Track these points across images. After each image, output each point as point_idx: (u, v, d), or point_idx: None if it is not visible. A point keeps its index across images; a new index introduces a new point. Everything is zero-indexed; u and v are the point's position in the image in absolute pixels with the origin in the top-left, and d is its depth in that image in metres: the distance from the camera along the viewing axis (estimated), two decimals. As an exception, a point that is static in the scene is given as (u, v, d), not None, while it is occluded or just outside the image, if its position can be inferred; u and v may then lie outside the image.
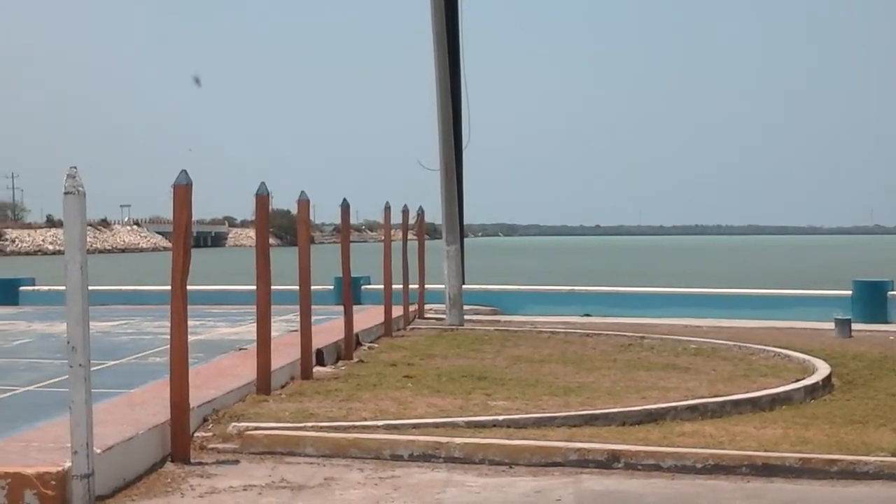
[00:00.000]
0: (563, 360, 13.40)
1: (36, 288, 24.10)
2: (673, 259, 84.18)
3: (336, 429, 8.64)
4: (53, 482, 6.53)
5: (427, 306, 20.42)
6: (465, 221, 22.06)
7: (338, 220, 15.65)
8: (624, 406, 9.77)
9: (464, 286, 19.63)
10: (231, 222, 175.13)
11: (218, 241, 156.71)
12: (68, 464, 6.61)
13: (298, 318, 12.09)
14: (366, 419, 9.08)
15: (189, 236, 8.22)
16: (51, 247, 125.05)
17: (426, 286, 20.47)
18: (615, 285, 25.17)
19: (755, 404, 10.25)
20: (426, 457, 8.15)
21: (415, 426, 8.79)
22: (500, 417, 9.14)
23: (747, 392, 10.65)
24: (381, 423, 8.88)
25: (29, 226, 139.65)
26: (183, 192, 8.16)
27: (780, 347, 14.11)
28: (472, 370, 12.30)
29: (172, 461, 7.92)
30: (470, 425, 8.89)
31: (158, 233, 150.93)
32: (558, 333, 16.63)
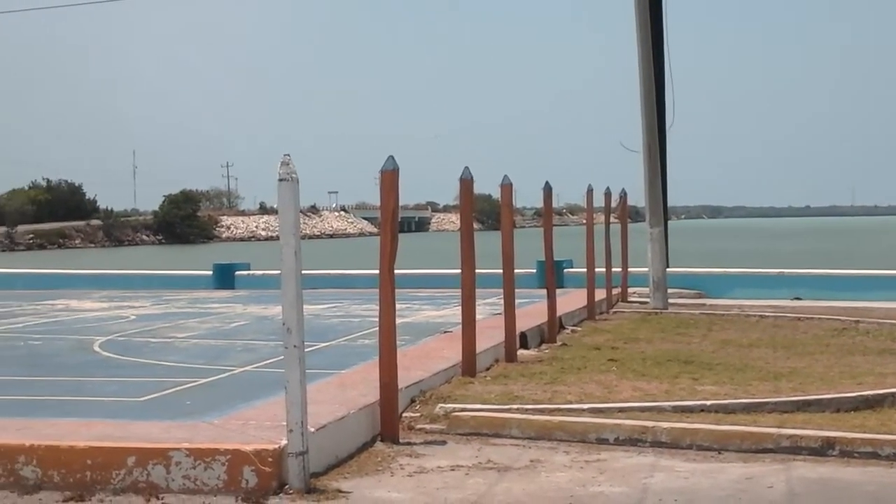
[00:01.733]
0: (773, 345, 13.04)
1: (251, 273, 25.06)
2: (889, 240, 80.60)
3: (541, 411, 8.66)
4: (270, 459, 6.77)
5: (630, 290, 20.22)
6: (669, 203, 21.74)
7: (539, 204, 15.67)
8: (838, 392, 9.43)
9: (668, 269, 19.33)
10: (434, 207, 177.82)
11: (422, 225, 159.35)
12: (284, 441, 6.84)
13: (502, 302, 12.17)
14: (571, 402, 9.07)
15: (396, 221, 8.37)
16: (263, 233, 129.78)
17: (629, 269, 20.27)
18: (827, 268, 24.32)
19: (981, 392, 9.72)
20: (632, 441, 8.07)
21: (620, 410, 8.72)
22: (708, 402, 8.97)
23: (973, 379, 10.12)
24: (586, 406, 8.85)
25: (243, 213, 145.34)
26: (390, 177, 8.31)
27: None
28: (678, 354, 12.11)
29: (382, 441, 8.11)
30: (677, 410, 8.75)
31: (365, 218, 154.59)
32: (767, 317, 16.19)
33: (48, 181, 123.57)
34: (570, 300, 17.08)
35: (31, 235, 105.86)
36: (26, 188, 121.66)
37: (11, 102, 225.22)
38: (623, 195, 20.29)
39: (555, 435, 8.24)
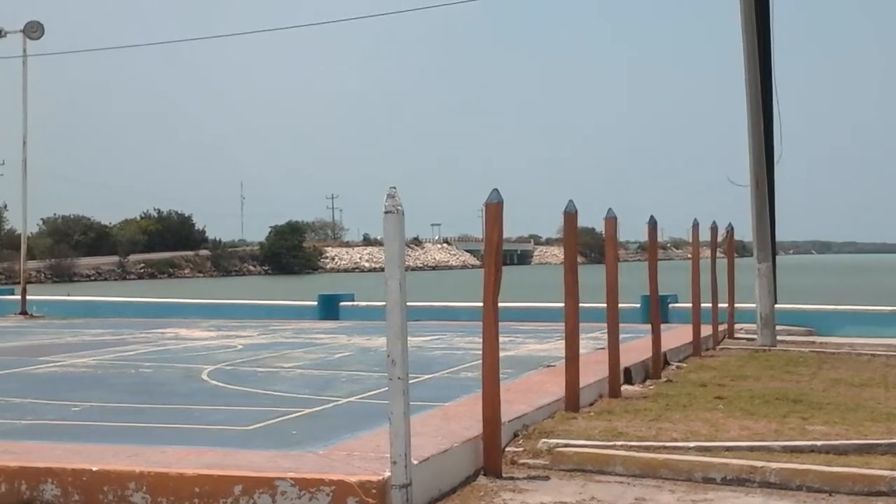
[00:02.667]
0: (885, 384, 12.69)
1: (355, 303, 25.30)
2: None
3: (646, 448, 8.55)
4: (374, 490, 6.80)
5: (737, 326, 19.89)
6: (777, 238, 21.35)
7: (643, 238, 15.54)
8: (956, 435, 9.12)
9: (776, 305, 18.98)
10: (536, 240, 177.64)
11: (524, 258, 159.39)
12: (388, 473, 6.86)
13: (605, 336, 12.07)
14: (676, 440, 8.93)
15: (500, 254, 8.36)
16: (367, 264, 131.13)
17: (736, 305, 19.95)
18: (944, 305, 23.60)
19: None
20: (740, 481, 7.91)
21: (727, 449, 8.56)
22: (819, 443, 8.75)
23: None
24: (692, 444, 8.71)
25: (347, 244, 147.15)
26: (494, 209, 8.32)
27: None
28: (787, 393, 11.86)
29: (485, 475, 8.08)
30: (786, 450, 8.56)
31: (467, 250, 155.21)
32: (879, 356, 15.79)
33: (159, 211, 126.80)
34: (676, 336, 16.86)
35: (142, 265, 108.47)
36: (138, 218, 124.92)
37: (124, 134, 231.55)
38: (730, 229, 19.99)
39: (660, 473, 8.12)
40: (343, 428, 8.86)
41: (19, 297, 27.28)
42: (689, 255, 17.84)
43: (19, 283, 28.31)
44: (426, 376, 12.55)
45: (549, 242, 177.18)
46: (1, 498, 7.27)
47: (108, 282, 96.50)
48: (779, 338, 18.36)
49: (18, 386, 12.22)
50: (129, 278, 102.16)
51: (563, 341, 10.73)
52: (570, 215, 10.78)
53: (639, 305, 20.86)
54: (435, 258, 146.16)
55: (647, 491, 7.75)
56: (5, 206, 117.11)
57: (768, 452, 8.46)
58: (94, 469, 7.23)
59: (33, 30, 28.12)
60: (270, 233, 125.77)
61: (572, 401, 10.42)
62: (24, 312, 26.46)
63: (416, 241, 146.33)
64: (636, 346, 14.60)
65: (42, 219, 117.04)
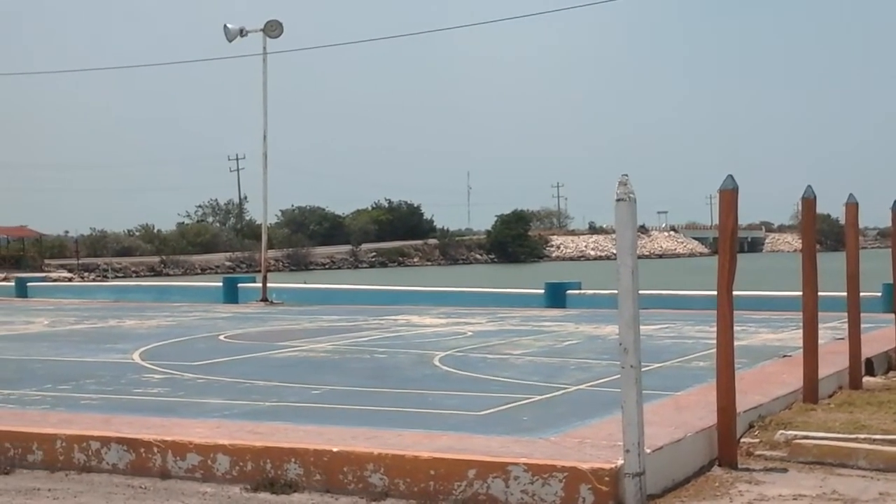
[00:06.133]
0: None
1: (581, 292, 25.23)
2: None
3: (891, 442, 8.19)
4: (607, 478, 6.78)
5: None
6: None
7: (882, 224, 14.84)
8: None
9: None
10: (768, 227, 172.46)
11: (755, 246, 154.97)
12: (620, 461, 6.84)
13: (844, 326, 11.62)
14: (924, 434, 8.52)
15: (735, 241, 8.18)
16: (592, 252, 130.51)
17: None
18: None
19: None
20: None
21: (980, 445, 8.11)
22: None
23: None
24: (941, 439, 8.29)
25: (572, 232, 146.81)
26: (729, 196, 8.14)
27: None
28: None
29: (719, 465, 7.93)
30: None
31: (695, 238, 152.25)
32: None
33: (389, 202, 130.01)
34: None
35: (374, 253, 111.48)
36: (369, 209, 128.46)
37: (355, 126, 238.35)
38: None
39: (906, 468, 7.77)
40: (573, 415, 8.87)
41: (260, 284, 28.54)
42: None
43: (260, 271, 29.61)
44: (656, 365, 12.41)
45: (781, 230, 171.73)
46: (247, 476, 7.65)
47: (342, 270, 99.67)
48: None
49: (261, 369, 12.81)
50: (360, 266, 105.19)
51: (800, 330, 10.41)
52: (809, 201, 10.44)
53: (879, 294, 19.94)
54: (662, 246, 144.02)
55: (893, 486, 7.43)
56: (246, 198, 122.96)
57: None
58: (335, 450, 7.50)
59: (272, 28, 29.31)
60: (496, 222, 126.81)
61: (811, 392, 10.10)
62: (264, 299, 27.69)
63: (643, 229, 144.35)
64: (877, 337, 14.00)
65: (280, 210, 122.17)
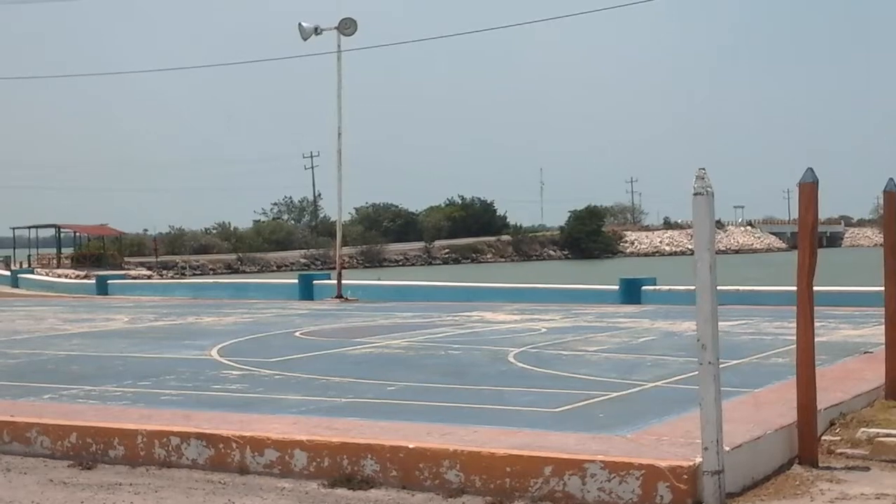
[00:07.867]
0: None
1: (656, 287, 25.01)
2: None
3: (978, 441, 8.00)
4: (685, 476, 6.71)
5: None
6: None
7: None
8: None
9: None
10: (847, 221, 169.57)
11: (833, 240, 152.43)
12: (699, 459, 6.76)
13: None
14: None
15: (815, 236, 8.04)
16: (667, 248, 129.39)
17: None
18: None
19: None
20: None
21: None
22: None
23: None
24: None
25: (646, 228, 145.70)
26: (809, 190, 8.00)
27: None
28: None
29: (800, 463, 7.81)
30: None
31: (772, 233, 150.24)
32: None
33: (462, 198, 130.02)
34: None
35: (447, 250, 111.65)
36: (442, 205, 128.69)
37: (429, 123, 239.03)
38: None
39: None
40: (650, 412, 8.79)
41: (335, 281, 28.75)
42: None
43: (335, 268, 29.84)
44: (734, 362, 12.25)
45: (860, 224, 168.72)
46: (324, 472, 7.70)
47: (415, 267, 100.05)
48: None
49: (338, 366, 12.89)
50: (434, 263, 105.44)
51: (882, 326, 10.21)
52: (891, 194, 10.21)
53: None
54: (738, 241, 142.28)
55: (980, 486, 7.25)
56: (320, 196, 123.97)
57: None
58: (411, 446, 7.52)
59: (346, 26, 29.50)
60: (569, 217, 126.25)
61: (893, 389, 9.90)
62: (339, 296, 27.89)
63: (719, 224, 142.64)
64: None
65: (354, 207, 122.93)
